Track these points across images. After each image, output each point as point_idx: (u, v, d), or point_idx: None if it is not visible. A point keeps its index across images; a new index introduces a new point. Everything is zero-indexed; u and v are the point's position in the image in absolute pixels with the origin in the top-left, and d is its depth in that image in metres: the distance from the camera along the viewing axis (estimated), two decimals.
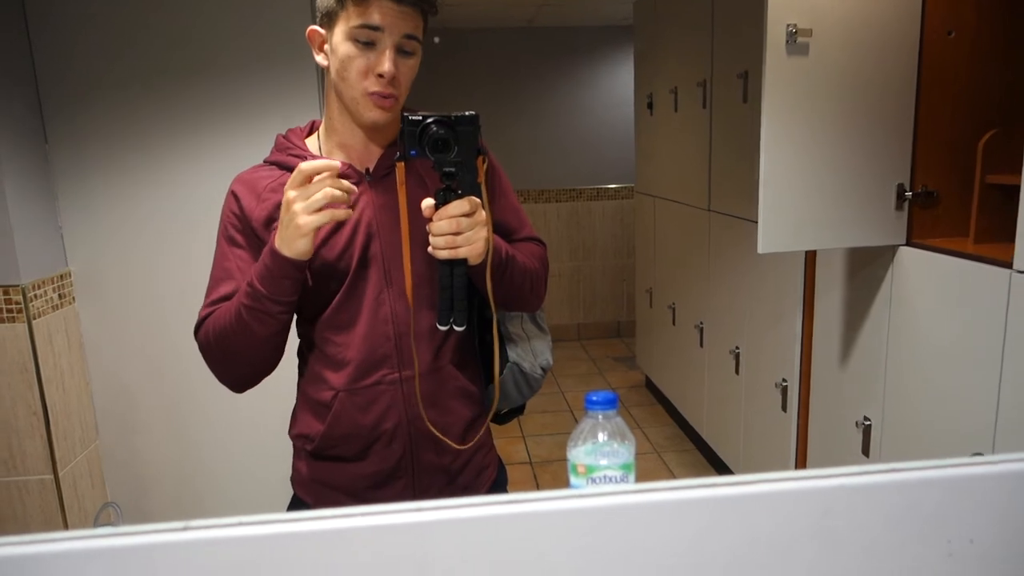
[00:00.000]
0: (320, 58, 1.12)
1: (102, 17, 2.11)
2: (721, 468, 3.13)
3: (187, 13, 2.14)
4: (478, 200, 1.02)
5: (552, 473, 3.23)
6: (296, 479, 1.27)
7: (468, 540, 0.51)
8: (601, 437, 0.73)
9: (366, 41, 1.05)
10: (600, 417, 0.74)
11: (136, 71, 2.16)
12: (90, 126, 2.17)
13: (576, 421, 3.25)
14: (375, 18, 1.04)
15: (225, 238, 1.15)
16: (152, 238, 2.25)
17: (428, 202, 1.01)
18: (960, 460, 0.52)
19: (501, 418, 1.36)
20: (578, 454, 0.73)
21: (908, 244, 1.85)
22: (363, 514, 0.49)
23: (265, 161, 1.19)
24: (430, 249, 1.03)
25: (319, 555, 0.51)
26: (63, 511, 2.11)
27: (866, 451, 2.06)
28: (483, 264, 1.06)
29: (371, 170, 1.15)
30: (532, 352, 1.29)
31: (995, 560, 0.52)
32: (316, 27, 1.11)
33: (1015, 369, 1.50)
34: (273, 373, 1.15)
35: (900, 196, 1.82)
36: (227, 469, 2.39)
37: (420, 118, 0.99)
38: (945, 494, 0.52)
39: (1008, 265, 1.50)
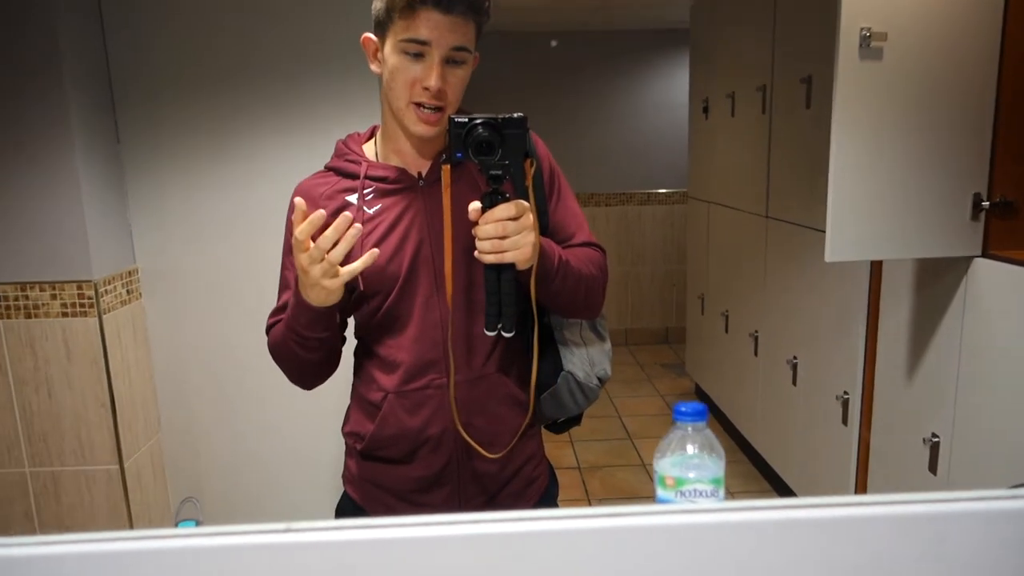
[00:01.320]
0: (374, 66, 1.12)
1: (177, 19, 2.17)
2: (774, 480, 3.07)
3: (259, 17, 2.18)
4: (526, 204, 1.00)
5: (600, 479, 3.21)
6: (347, 476, 1.28)
7: (548, 553, 0.50)
8: (690, 449, 0.72)
9: (414, 53, 1.04)
10: (689, 429, 0.72)
11: (208, 73, 2.21)
12: (161, 127, 2.23)
13: (624, 427, 3.20)
14: (422, 32, 1.02)
15: (286, 249, 1.18)
16: (217, 237, 2.30)
17: (475, 205, 1.00)
18: None
19: (558, 427, 1.34)
20: (665, 466, 0.72)
21: (984, 255, 1.78)
22: (467, 522, 0.49)
23: (325, 167, 1.20)
24: (476, 253, 1.01)
25: (417, 562, 0.50)
26: (127, 501, 2.16)
27: (933, 469, 1.99)
28: (532, 269, 1.04)
29: (423, 175, 1.15)
30: (589, 361, 1.25)
31: None
32: (370, 35, 1.11)
33: None
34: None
35: (976, 206, 1.76)
36: (282, 464, 2.43)
37: (466, 120, 0.98)
38: None
39: None
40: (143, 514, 2.24)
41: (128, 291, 2.23)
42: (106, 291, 2.11)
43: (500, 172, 0.98)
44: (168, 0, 2.15)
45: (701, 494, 0.70)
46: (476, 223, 1.01)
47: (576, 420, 1.33)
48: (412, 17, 1.02)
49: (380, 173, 1.14)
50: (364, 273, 1.10)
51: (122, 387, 2.18)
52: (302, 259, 0.99)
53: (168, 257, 2.31)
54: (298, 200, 0.98)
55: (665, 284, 5.20)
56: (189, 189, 2.27)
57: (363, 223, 1.11)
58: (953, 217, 1.76)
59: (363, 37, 1.12)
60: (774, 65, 2.82)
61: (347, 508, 1.26)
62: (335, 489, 1.31)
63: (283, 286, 1.19)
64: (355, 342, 1.26)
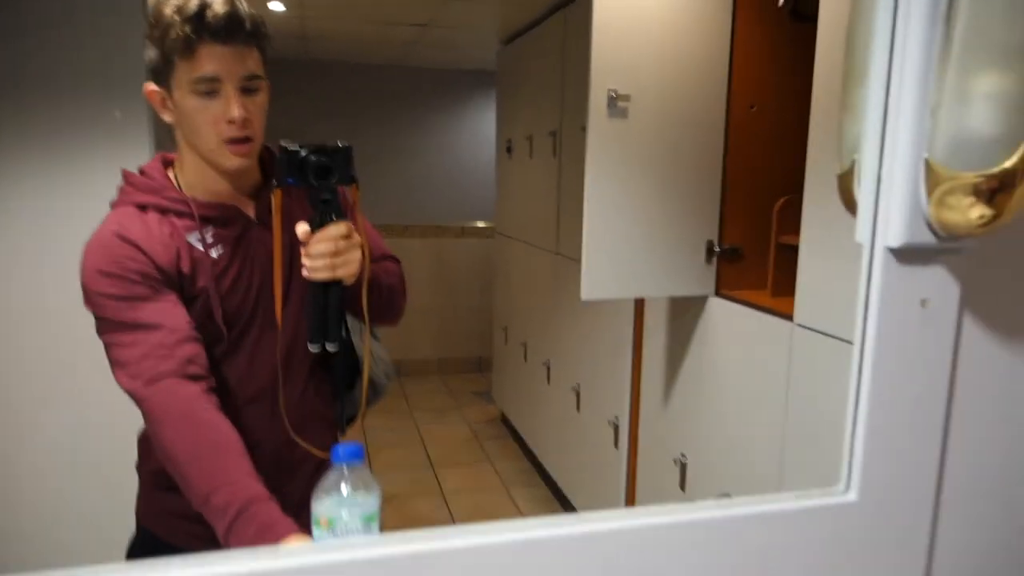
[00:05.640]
0: (166, 116, 1.10)
1: None
2: (565, 503, 3.23)
3: (20, 35, 2.04)
4: (351, 223, 1.08)
5: (394, 507, 3.22)
6: (145, 512, 1.24)
7: None
8: (344, 490, 0.76)
9: (208, 92, 1.04)
10: (345, 470, 0.77)
11: None
12: None
13: (427, 455, 3.23)
14: (208, 68, 1.03)
15: (126, 300, 1.04)
16: None
17: (303, 227, 1.05)
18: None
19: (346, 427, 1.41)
20: (321, 508, 0.76)
21: (716, 295, 2.02)
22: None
23: (137, 204, 1.11)
24: (305, 272, 1.07)
25: None
26: None
27: (683, 486, 2.20)
28: (354, 285, 1.11)
29: (255, 215, 1.17)
30: (377, 361, 1.36)
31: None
32: (151, 85, 1.09)
33: (797, 413, 1.67)
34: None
35: (710, 251, 1.99)
36: (54, 507, 2.23)
37: (297, 148, 1.05)
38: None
39: (791, 318, 1.68)
40: None
41: None
42: None
43: (330, 196, 1.06)
44: None
45: (352, 531, 0.75)
46: (304, 244, 1.06)
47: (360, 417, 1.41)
48: (193, 57, 1.02)
49: (215, 213, 1.13)
50: (225, 315, 1.12)
51: None
52: None
53: None
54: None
55: (479, 315, 5.34)
56: None
57: (209, 267, 1.11)
58: (691, 260, 1.98)
59: (145, 90, 1.09)
60: (563, 112, 3.03)
61: (146, 545, 1.22)
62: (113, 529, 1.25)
63: (130, 342, 1.04)
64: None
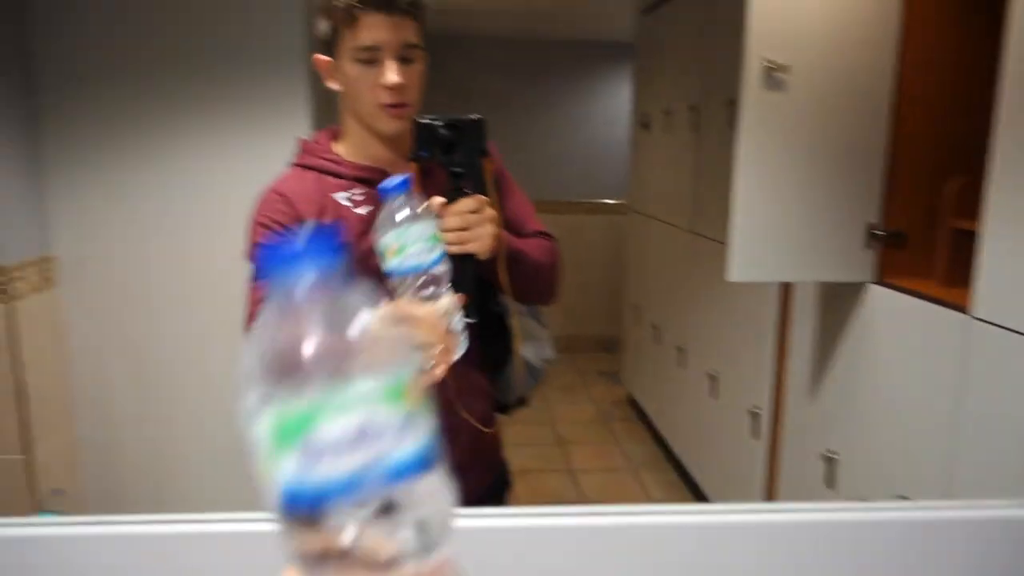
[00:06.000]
0: (332, 84, 1.17)
1: (106, 5, 2.15)
2: (695, 490, 3.15)
3: (189, 11, 2.18)
4: (485, 198, 1.08)
5: (526, 484, 3.25)
6: None
7: None
8: (403, 216, 0.82)
9: (368, 60, 1.10)
10: (400, 198, 0.82)
11: (136, 62, 2.20)
12: (86, 113, 2.21)
13: (555, 433, 3.23)
14: (369, 37, 1.09)
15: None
16: (140, 230, 2.29)
17: (438, 200, 1.07)
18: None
19: (506, 410, 1.42)
20: (387, 238, 0.82)
21: (877, 283, 1.87)
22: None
23: (301, 165, 1.21)
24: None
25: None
26: (32, 492, 2.13)
27: (831, 484, 2.08)
28: (492, 259, 1.11)
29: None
30: (534, 345, 1.35)
31: None
32: (319, 55, 1.16)
33: (972, 415, 1.52)
34: None
35: (870, 235, 1.84)
36: (204, 462, 2.42)
37: (428, 121, 1.07)
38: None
39: (964, 310, 1.52)
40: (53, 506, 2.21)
41: (44, 279, 2.21)
42: (18, 277, 2.08)
43: (461, 170, 1.07)
44: None
45: (420, 254, 0.83)
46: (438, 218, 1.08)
47: (524, 402, 1.41)
48: (356, 26, 1.09)
49: (366, 175, 1.18)
50: (368, 267, 1.15)
51: (34, 377, 2.15)
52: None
53: (89, 247, 2.28)
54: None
55: (609, 293, 5.27)
56: (113, 180, 2.26)
57: (355, 224, 1.16)
58: (847, 244, 1.84)
59: (314, 58, 1.17)
60: (704, 85, 2.90)
61: None
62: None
63: (256, 290, 1.12)
64: None
